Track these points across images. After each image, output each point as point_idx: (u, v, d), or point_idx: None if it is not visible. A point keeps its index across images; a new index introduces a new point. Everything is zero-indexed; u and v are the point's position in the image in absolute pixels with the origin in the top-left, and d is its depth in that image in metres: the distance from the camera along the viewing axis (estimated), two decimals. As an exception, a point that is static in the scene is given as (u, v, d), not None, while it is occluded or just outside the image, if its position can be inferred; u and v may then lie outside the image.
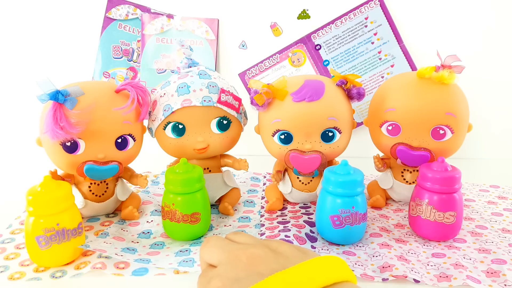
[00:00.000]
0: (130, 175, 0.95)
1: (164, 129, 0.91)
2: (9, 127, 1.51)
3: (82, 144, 0.82)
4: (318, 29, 1.38)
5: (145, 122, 0.95)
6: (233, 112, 0.91)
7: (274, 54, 1.41)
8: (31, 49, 1.45)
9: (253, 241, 0.52)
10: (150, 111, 0.93)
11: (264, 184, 1.17)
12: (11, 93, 1.49)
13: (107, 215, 0.97)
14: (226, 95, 0.90)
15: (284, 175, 0.99)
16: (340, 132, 0.89)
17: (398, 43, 1.36)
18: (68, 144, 0.81)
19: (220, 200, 1.00)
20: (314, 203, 1.00)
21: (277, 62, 1.42)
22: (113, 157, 0.86)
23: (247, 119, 1.00)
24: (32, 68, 1.45)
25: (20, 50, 1.46)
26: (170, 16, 1.41)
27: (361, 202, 0.79)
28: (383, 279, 0.69)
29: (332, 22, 1.37)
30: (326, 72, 1.39)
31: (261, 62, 1.42)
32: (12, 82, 1.47)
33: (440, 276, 0.70)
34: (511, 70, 1.36)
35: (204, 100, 0.88)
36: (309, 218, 0.92)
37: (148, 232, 0.88)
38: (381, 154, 1.00)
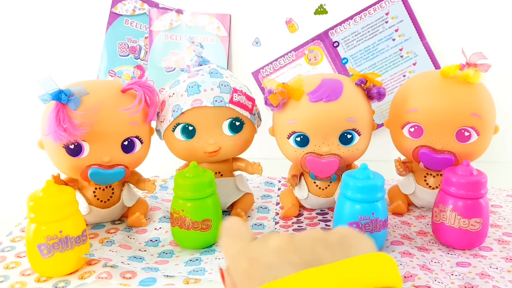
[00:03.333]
0: (137, 180, 0.96)
1: (173, 131, 0.91)
2: (9, 129, 1.52)
3: (86, 146, 0.82)
4: (336, 25, 1.38)
5: (153, 124, 0.95)
6: (246, 113, 0.91)
7: (290, 52, 1.41)
8: (32, 47, 1.46)
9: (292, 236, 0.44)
10: (158, 112, 0.93)
11: (279, 189, 1.17)
12: (11, 93, 1.49)
13: (113, 222, 0.97)
14: (239, 95, 0.90)
15: (300, 179, 0.99)
16: (359, 134, 0.88)
17: (421, 40, 1.35)
18: (72, 146, 0.81)
19: (232, 206, 1.00)
20: (331, 209, 1.00)
21: (292, 60, 1.41)
22: (119, 160, 0.86)
23: (261, 120, 1.00)
24: (33, 66, 1.46)
25: (20, 47, 1.46)
26: (179, 11, 1.41)
27: (382, 208, 0.78)
28: (406, 291, 0.69)
29: (351, 17, 1.37)
30: (345, 70, 1.39)
31: (276, 60, 1.42)
32: (12, 81, 1.48)
33: (465, 287, 0.70)
34: (541, 68, 1.34)
35: (216, 100, 0.88)
36: (326, 225, 0.91)
37: (156, 240, 0.88)
38: (402, 158, 0.99)
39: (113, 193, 0.93)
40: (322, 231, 0.42)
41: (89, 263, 0.79)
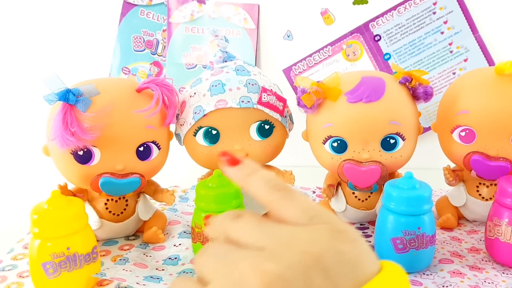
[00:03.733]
0: (154, 190, 0.96)
1: (195, 135, 0.91)
2: (10, 133, 1.54)
3: (97, 153, 0.82)
4: (377, 17, 1.39)
5: (172, 127, 0.95)
6: (276, 115, 0.91)
7: (325, 46, 1.42)
8: (36, 41, 1.47)
9: (270, 240, 0.37)
10: (178, 114, 0.94)
11: (314, 200, 1.16)
12: (12, 93, 1.51)
13: (127, 238, 0.97)
14: (268, 94, 0.90)
15: (337, 190, 0.98)
16: (403, 139, 0.88)
17: (473, 33, 1.35)
18: (81, 153, 0.81)
19: None
20: (372, 223, 1.00)
21: (328, 55, 1.42)
22: (133, 168, 0.86)
23: (293, 123, 1.00)
24: (37, 63, 1.47)
25: (23, 41, 1.48)
26: (201, 1, 1.42)
27: (429, 222, 0.78)
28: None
29: (394, 8, 1.38)
30: (387, 67, 1.39)
31: (310, 55, 1.42)
32: (14, 79, 1.50)
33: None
34: None
35: (242, 101, 0.88)
36: (367, 240, 0.89)
37: (175, 258, 0.88)
38: (452, 165, 0.98)
39: (127, 205, 0.93)
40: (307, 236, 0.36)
41: (100, 283, 0.79)
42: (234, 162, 0.43)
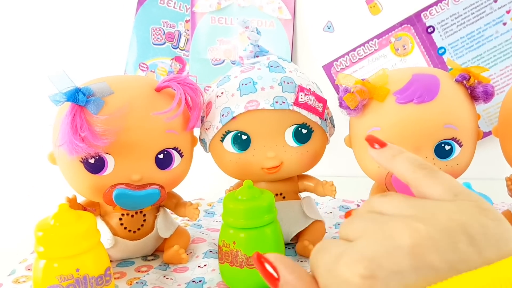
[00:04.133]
0: (176, 204, 0.95)
1: (222, 140, 0.90)
2: (11, 138, 1.55)
3: (110, 161, 0.81)
4: (430, 5, 1.39)
5: (196, 132, 0.94)
6: (315, 118, 0.90)
7: (371, 39, 1.42)
8: (41, 33, 1.49)
9: (417, 210, 0.41)
10: (203, 117, 0.94)
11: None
12: (14, 93, 1.53)
13: (145, 258, 0.97)
14: (306, 94, 0.89)
15: None
16: (460, 145, 0.86)
17: None
18: (92, 161, 0.81)
19: (297, 237, 0.98)
20: None
21: (375, 50, 1.42)
22: (152, 178, 0.85)
23: (334, 127, 0.99)
24: (42, 59, 1.49)
25: (25, 34, 1.50)
26: None
27: None
28: None
29: None
30: (442, 63, 1.39)
31: (354, 50, 1.43)
32: (16, 77, 1.52)
33: None
34: None
35: (276, 102, 0.87)
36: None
37: (200, 281, 0.87)
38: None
39: (144, 220, 0.93)
40: (452, 204, 0.40)
41: (114, 310, 0.79)
42: (380, 144, 0.48)
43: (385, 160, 0.47)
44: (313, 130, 0.91)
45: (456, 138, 0.84)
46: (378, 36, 1.40)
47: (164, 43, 1.44)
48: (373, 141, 0.48)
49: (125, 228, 0.91)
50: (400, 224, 0.38)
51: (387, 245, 0.37)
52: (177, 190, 0.94)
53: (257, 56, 0.95)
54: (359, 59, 1.42)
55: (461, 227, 0.37)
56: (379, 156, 0.47)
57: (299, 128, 0.89)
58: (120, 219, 0.90)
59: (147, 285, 0.84)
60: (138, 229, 0.92)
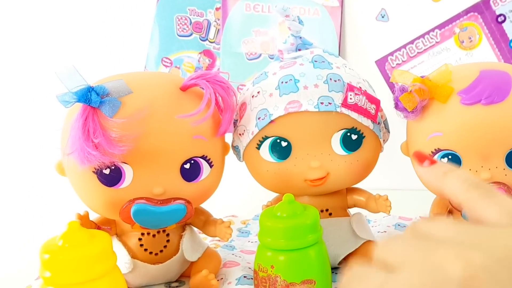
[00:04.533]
0: (205, 221, 0.95)
1: (259, 148, 0.89)
2: (13, 145, 1.56)
3: (128, 171, 0.80)
4: None
5: (228, 138, 0.94)
6: (367, 121, 0.89)
7: (432, 30, 1.43)
8: (49, 25, 1.51)
9: (471, 236, 0.41)
10: (236, 120, 0.93)
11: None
12: (18, 91, 1.55)
13: (168, 284, 0.96)
14: (356, 94, 0.87)
15: None
16: None
17: None
18: (107, 171, 0.79)
19: (346, 259, 0.96)
20: None
21: (436, 42, 1.43)
22: (177, 192, 0.84)
23: (389, 132, 0.99)
24: (51, 53, 1.51)
25: (33, 25, 1.51)
26: None
27: None
28: None
29: None
30: None
31: (411, 42, 1.44)
32: (20, 74, 1.54)
33: None
34: None
35: (322, 103, 0.85)
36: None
37: None
38: None
39: (168, 241, 0.91)
40: None
41: None
42: (430, 161, 0.49)
43: (435, 178, 0.47)
44: (364, 136, 0.89)
45: (531, 145, 0.84)
46: (440, 27, 1.41)
47: (191, 34, 1.45)
48: (422, 158, 0.49)
49: (146, 249, 0.89)
50: (451, 252, 0.37)
51: (436, 277, 0.36)
52: (206, 205, 0.93)
53: (299, 50, 0.93)
54: (418, 53, 1.43)
55: None
56: (428, 174, 0.49)
57: (348, 134, 0.88)
58: (140, 239, 0.89)
59: (171, 316, 0.84)
60: (161, 251, 0.90)
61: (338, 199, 0.96)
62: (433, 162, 0.48)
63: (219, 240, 1.09)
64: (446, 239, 0.39)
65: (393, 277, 0.37)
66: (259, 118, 0.86)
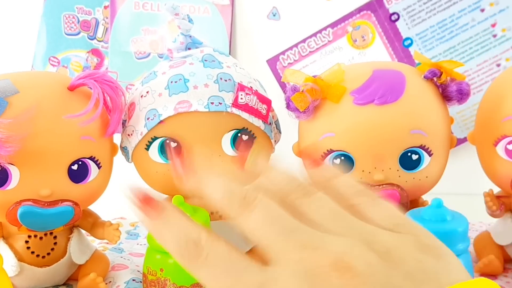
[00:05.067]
0: (93, 224, 0.95)
1: (147, 149, 0.91)
2: None
3: (15, 173, 0.81)
4: None
5: (117, 138, 0.95)
6: (258, 122, 0.92)
7: (324, 29, 1.44)
8: None
9: (350, 231, 0.41)
10: (125, 121, 0.94)
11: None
12: None
13: None
14: (247, 94, 0.91)
15: None
16: (430, 154, 0.88)
17: None
18: None
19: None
20: None
21: (328, 41, 1.45)
22: (65, 194, 0.85)
23: (280, 133, 1.01)
24: None
25: None
26: None
27: (464, 266, 0.78)
28: None
29: None
30: (408, 56, 1.42)
31: (303, 41, 1.45)
32: None
33: None
34: None
35: (212, 103, 0.88)
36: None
37: None
38: (496, 189, 0.98)
39: (55, 243, 0.92)
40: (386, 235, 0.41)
41: None
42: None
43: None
44: (255, 136, 0.92)
45: (424, 145, 0.87)
46: (333, 25, 1.42)
47: (79, 33, 1.43)
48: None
49: (33, 252, 0.89)
50: (331, 256, 0.37)
51: (308, 285, 0.37)
52: (94, 207, 0.95)
53: (189, 49, 0.96)
54: (310, 52, 1.44)
55: (396, 263, 0.38)
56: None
57: (239, 134, 0.90)
58: (27, 241, 0.89)
59: (58, 320, 0.83)
60: (48, 253, 0.90)
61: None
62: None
63: (107, 243, 1.09)
64: (322, 227, 0.40)
65: (269, 277, 0.38)
66: (148, 119, 0.88)
